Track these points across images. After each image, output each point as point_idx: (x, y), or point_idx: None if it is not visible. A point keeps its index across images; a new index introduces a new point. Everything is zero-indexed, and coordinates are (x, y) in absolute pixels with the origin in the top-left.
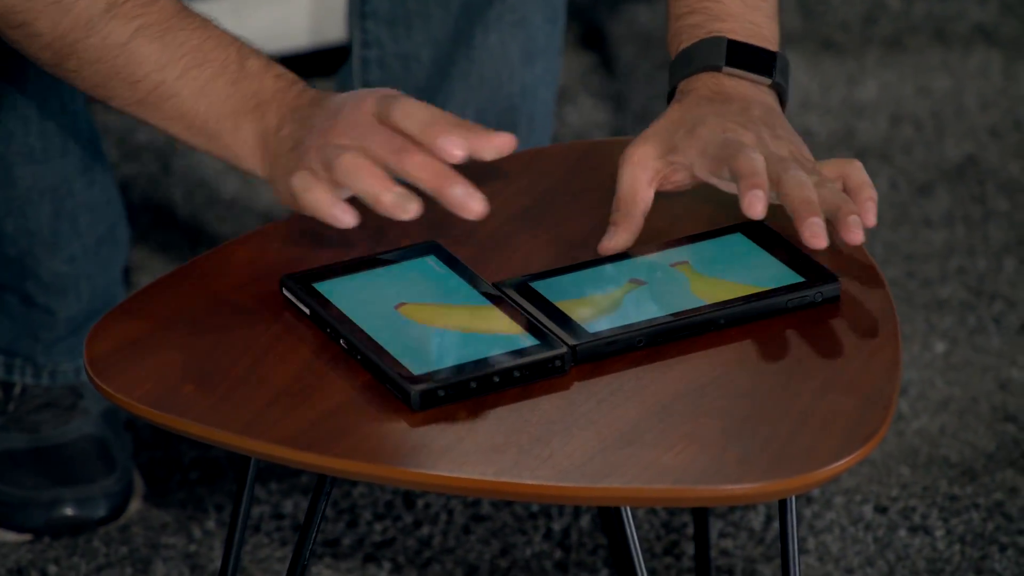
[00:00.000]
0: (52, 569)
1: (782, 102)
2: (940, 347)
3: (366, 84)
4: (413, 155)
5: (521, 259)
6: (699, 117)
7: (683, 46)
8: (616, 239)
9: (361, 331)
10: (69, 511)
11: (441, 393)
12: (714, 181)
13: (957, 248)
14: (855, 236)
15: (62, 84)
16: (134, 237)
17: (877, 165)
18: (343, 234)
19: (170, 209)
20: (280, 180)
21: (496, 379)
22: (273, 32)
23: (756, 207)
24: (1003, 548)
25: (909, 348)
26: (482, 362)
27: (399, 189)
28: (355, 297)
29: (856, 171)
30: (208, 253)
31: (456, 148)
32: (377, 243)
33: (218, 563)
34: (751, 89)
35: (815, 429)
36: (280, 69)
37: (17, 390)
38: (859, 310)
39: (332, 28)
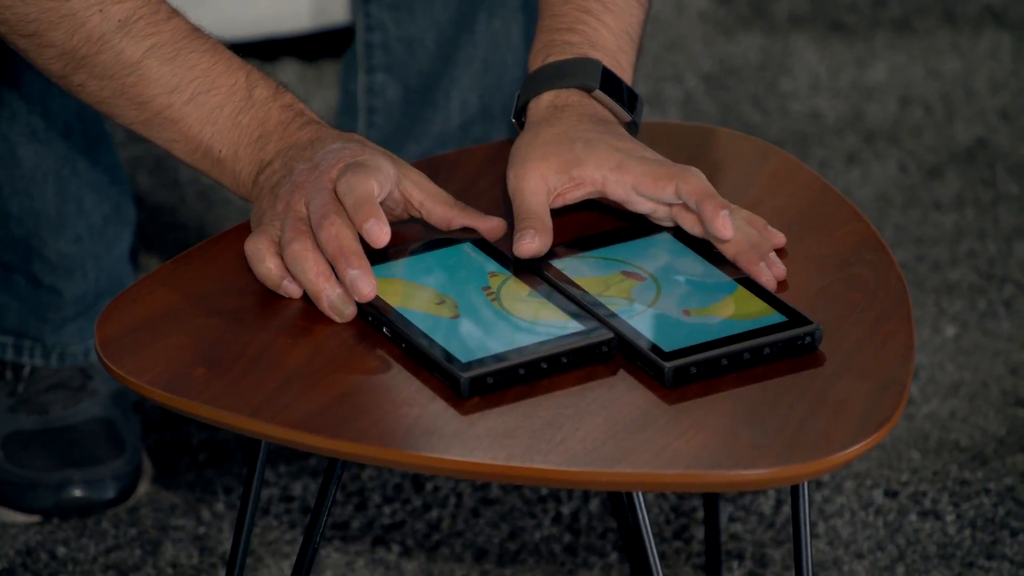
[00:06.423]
0: (61, 551)
1: None
2: (950, 331)
3: (371, 69)
4: (328, 227)
5: None
6: (587, 133)
7: (556, 58)
8: (537, 243)
9: (405, 319)
10: (78, 492)
11: (490, 380)
12: (632, 198)
13: (967, 231)
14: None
15: None
16: (142, 218)
17: (886, 148)
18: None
19: (178, 189)
20: (252, 217)
21: (544, 365)
22: (275, 13)
23: (728, 228)
24: (1014, 533)
25: (919, 332)
26: (529, 348)
27: (338, 291)
28: (395, 285)
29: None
30: (219, 235)
31: (377, 237)
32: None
33: (227, 545)
34: (613, 119)
35: (828, 414)
36: (286, 99)
37: (26, 371)
38: (872, 294)
39: (334, 9)
